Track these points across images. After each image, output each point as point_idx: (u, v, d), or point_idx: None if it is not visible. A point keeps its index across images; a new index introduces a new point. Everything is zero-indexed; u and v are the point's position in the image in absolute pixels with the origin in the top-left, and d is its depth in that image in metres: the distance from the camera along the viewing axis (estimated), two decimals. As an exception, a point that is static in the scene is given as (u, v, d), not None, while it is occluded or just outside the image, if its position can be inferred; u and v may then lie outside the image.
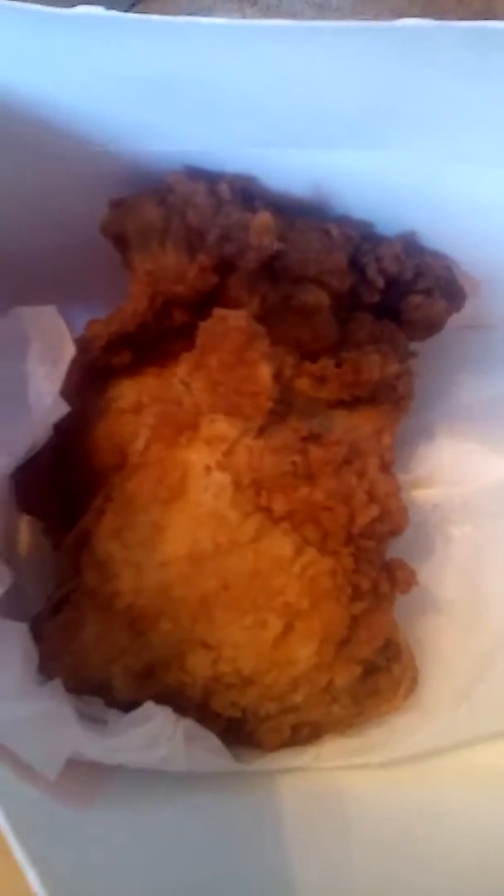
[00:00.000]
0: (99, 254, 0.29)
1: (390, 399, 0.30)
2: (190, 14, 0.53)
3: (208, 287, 0.25)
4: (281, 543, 0.26)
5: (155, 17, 0.21)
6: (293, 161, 0.25)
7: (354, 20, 0.51)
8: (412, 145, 0.24)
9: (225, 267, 0.25)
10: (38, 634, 0.28)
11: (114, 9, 0.54)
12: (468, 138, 0.23)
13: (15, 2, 0.20)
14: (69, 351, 0.28)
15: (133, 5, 0.54)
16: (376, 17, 0.49)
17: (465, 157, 0.23)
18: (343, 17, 0.50)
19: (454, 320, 0.32)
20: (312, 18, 0.50)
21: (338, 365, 0.29)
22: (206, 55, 0.21)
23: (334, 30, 0.20)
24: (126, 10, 0.53)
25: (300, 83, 0.22)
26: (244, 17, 0.51)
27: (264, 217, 0.24)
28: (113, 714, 0.28)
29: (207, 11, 0.52)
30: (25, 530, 0.34)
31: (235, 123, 0.24)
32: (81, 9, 0.21)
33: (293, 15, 0.50)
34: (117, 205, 0.26)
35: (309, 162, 0.24)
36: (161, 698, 0.28)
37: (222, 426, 0.26)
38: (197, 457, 0.26)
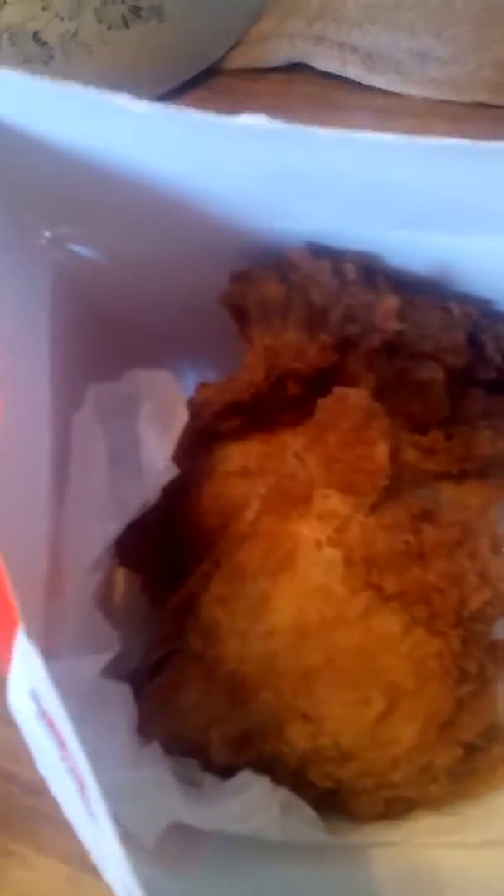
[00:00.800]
0: (213, 320, 0.29)
1: (500, 474, 0.30)
2: (288, 60, 0.54)
3: (328, 364, 0.26)
4: (390, 622, 0.26)
5: (274, 127, 0.21)
6: (418, 243, 0.25)
7: (455, 68, 0.51)
8: None
9: (345, 346, 0.26)
10: (137, 694, 0.29)
11: (212, 49, 0.55)
12: None
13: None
14: (182, 416, 0.29)
15: (231, 48, 0.55)
16: (478, 68, 0.50)
17: None
18: (443, 66, 0.50)
19: None
20: (413, 67, 0.51)
21: (448, 438, 0.29)
22: (333, 157, 0.22)
23: (459, 149, 0.20)
24: (226, 52, 0.54)
25: (428, 180, 0.22)
26: (345, 64, 0.51)
27: (392, 301, 0.24)
28: (207, 777, 0.29)
29: (308, 58, 0.53)
30: (121, 583, 0.35)
31: (362, 207, 0.24)
32: (244, 118, 0.21)
33: (394, 63, 0.51)
34: (239, 278, 0.27)
35: (434, 245, 0.25)
36: (256, 764, 0.28)
37: (335, 502, 0.26)
38: (308, 531, 0.26)
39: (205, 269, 0.28)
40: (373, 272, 0.26)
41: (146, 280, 0.30)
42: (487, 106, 0.49)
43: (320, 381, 0.27)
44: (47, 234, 0.28)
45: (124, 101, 0.19)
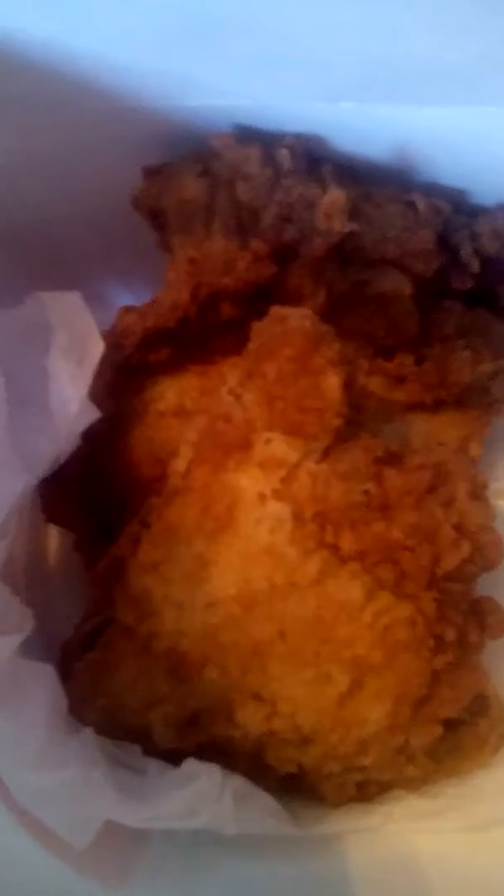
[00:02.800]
0: (134, 227, 0.25)
1: (481, 403, 0.26)
2: None
3: (263, 279, 0.21)
4: (349, 587, 0.23)
5: None
6: (371, 118, 0.20)
7: None
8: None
9: (284, 254, 0.21)
10: (67, 671, 0.26)
11: None
12: None
13: None
14: (97, 346, 0.25)
15: None
16: None
17: None
18: None
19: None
20: None
21: (419, 362, 0.25)
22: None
23: None
24: None
25: (384, 25, 0.18)
26: None
27: (336, 196, 0.20)
28: (152, 763, 0.26)
29: None
30: (55, 542, 0.32)
31: (299, 73, 0.20)
32: None
33: None
34: (152, 174, 0.22)
35: (391, 119, 0.20)
36: (207, 749, 0.26)
37: (280, 447, 0.22)
38: (249, 483, 0.23)
39: (114, 163, 0.23)
40: (315, 159, 0.21)
41: (49, 184, 0.25)
42: None
43: (260, 301, 0.23)
44: None
45: None
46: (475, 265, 0.23)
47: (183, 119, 0.22)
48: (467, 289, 0.24)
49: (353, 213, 0.21)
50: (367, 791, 0.27)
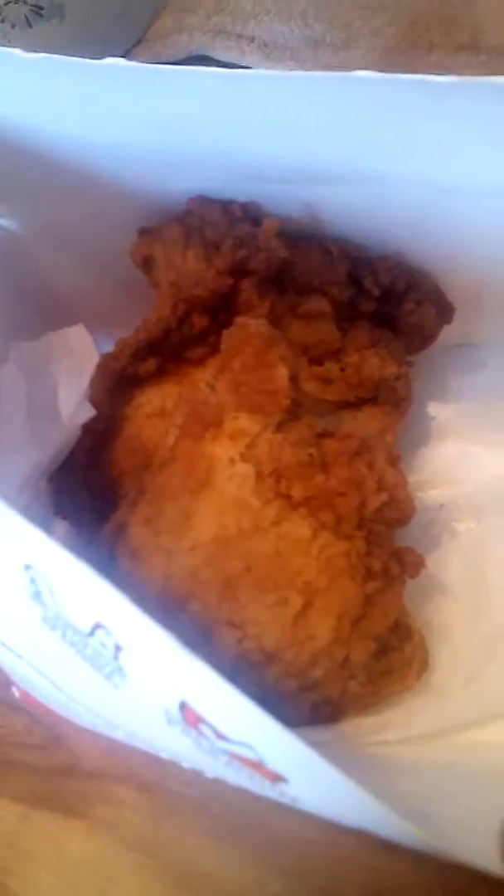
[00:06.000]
0: (123, 285, 0.35)
1: (391, 400, 0.36)
2: (189, 54, 0.61)
3: (224, 288, 0.32)
4: (299, 527, 0.32)
5: (162, 68, 0.27)
6: (293, 195, 0.31)
7: (347, 54, 0.58)
8: (394, 180, 0.31)
9: (238, 270, 0.32)
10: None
11: (114, 48, 0.61)
12: (445, 172, 0.29)
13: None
14: (94, 360, 0.35)
15: (134, 45, 0.62)
16: (367, 52, 0.57)
17: (443, 188, 0.30)
18: (336, 52, 0.58)
19: (444, 338, 0.39)
20: (308, 54, 0.58)
21: (342, 369, 0.35)
22: (210, 102, 0.27)
23: (320, 78, 0.26)
24: (128, 49, 0.60)
25: (294, 126, 0.28)
26: (243, 54, 0.58)
27: (271, 222, 0.31)
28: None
29: (207, 50, 0.60)
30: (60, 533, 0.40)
31: (242, 162, 0.30)
32: (110, 60, 0.27)
33: (290, 51, 0.58)
34: (145, 231, 0.33)
35: (306, 196, 0.31)
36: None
37: (245, 422, 0.32)
38: (222, 450, 0.32)
39: (117, 230, 0.34)
40: (258, 218, 0.32)
41: (59, 247, 0.35)
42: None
43: (222, 313, 0.33)
44: None
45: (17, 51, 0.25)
46: (375, 291, 0.34)
47: (167, 199, 0.32)
48: (372, 311, 0.35)
49: (285, 244, 0.32)
50: (322, 714, 0.35)
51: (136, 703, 0.24)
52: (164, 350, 0.34)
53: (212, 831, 0.35)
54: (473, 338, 0.41)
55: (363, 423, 0.36)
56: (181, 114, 0.27)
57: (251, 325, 0.31)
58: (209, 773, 0.29)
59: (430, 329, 0.38)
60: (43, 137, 0.30)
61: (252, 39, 0.59)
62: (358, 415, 0.36)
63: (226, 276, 0.31)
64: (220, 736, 0.23)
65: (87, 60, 0.27)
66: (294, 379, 0.32)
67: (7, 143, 0.29)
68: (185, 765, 0.30)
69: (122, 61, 0.28)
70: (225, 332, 0.32)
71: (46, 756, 0.37)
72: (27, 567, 0.23)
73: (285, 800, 0.25)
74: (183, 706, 0.23)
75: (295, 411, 0.33)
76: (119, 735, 0.29)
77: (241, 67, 0.59)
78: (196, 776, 0.35)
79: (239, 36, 0.59)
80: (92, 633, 0.23)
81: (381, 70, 0.59)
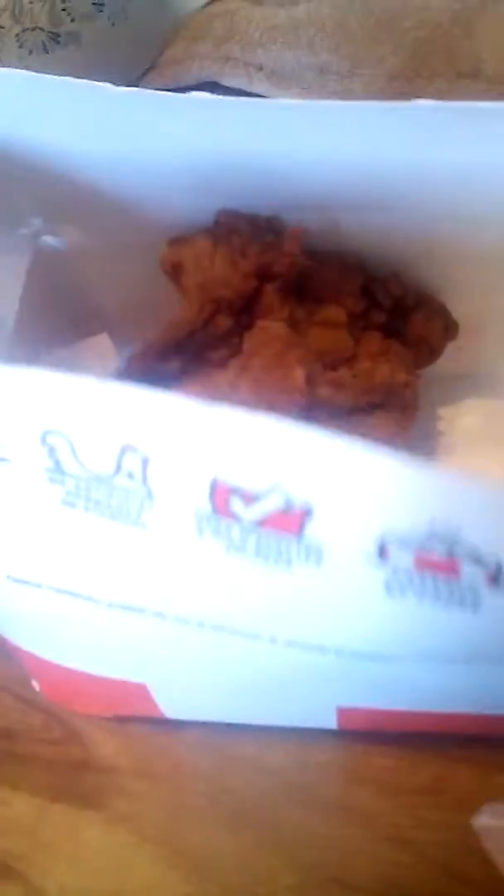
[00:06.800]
0: (148, 296, 0.38)
1: (399, 406, 0.38)
2: (199, 80, 0.63)
3: (249, 291, 0.34)
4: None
5: (183, 97, 0.29)
6: (313, 214, 0.34)
7: (351, 82, 0.61)
8: (401, 207, 0.33)
9: (262, 274, 0.34)
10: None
11: (127, 74, 0.64)
12: (450, 203, 0.32)
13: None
14: (116, 365, 0.37)
15: (146, 71, 0.65)
16: (372, 80, 0.60)
17: (451, 217, 0.32)
18: (341, 80, 0.61)
19: (452, 367, 0.41)
20: (314, 82, 0.61)
21: (354, 376, 0.37)
22: (229, 131, 0.30)
23: (341, 108, 0.28)
24: (140, 74, 0.63)
25: (311, 154, 0.31)
26: (251, 82, 0.61)
27: (295, 229, 0.33)
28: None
29: (217, 77, 0.62)
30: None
31: (263, 186, 0.33)
32: (139, 90, 0.29)
33: (297, 79, 0.61)
34: (175, 241, 0.35)
35: (321, 220, 0.34)
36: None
37: (265, 418, 0.34)
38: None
39: (143, 247, 0.36)
40: (281, 228, 0.35)
41: (95, 262, 0.38)
42: (383, 113, 0.60)
43: (245, 315, 0.35)
44: (24, 230, 0.36)
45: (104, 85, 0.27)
46: (387, 302, 0.36)
47: (197, 215, 0.35)
48: (383, 322, 0.37)
49: (305, 254, 0.35)
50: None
51: (165, 528, 0.23)
52: (188, 350, 0.36)
53: (225, 824, 0.36)
54: (479, 367, 0.44)
55: (373, 429, 0.38)
56: (203, 140, 0.29)
57: (272, 328, 0.33)
58: (233, 609, 0.26)
59: (437, 343, 0.40)
60: (82, 163, 0.33)
61: (260, 67, 0.62)
62: (367, 420, 0.38)
63: (251, 279, 0.34)
64: (249, 499, 0.22)
65: (117, 88, 0.29)
66: (310, 381, 0.34)
67: (56, 172, 0.32)
68: (208, 619, 0.27)
69: (149, 92, 0.30)
70: (247, 335, 0.34)
71: (63, 751, 0.39)
72: (46, 434, 0.23)
73: (309, 565, 0.22)
74: (213, 488, 0.22)
75: (308, 415, 0.35)
76: (145, 623, 0.27)
77: (250, 94, 0.62)
78: (210, 770, 0.37)
79: (247, 64, 0.62)
80: (117, 471, 0.23)
81: (384, 97, 0.62)
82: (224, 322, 0.35)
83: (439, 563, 0.21)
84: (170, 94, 0.27)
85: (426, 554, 0.21)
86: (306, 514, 0.21)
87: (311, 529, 0.21)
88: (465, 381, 0.45)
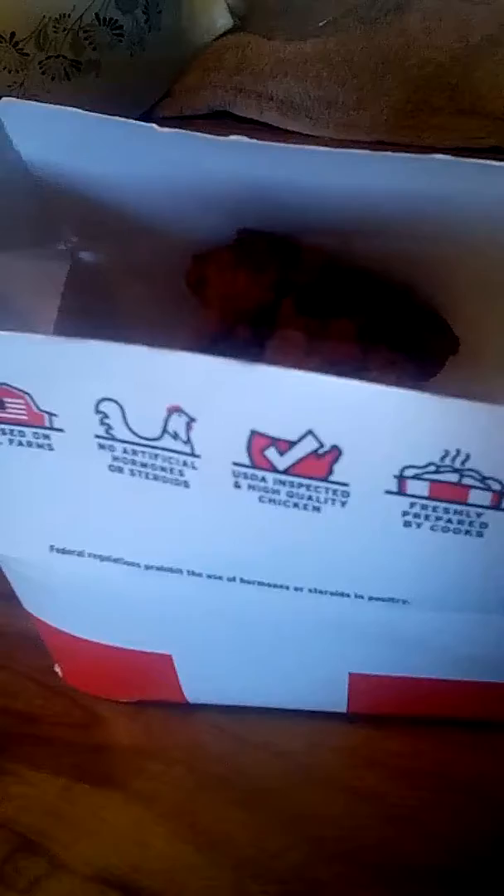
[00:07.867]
0: (170, 308, 0.41)
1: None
2: (211, 109, 0.67)
3: (268, 303, 0.37)
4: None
5: (198, 136, 0.30)
6: (324, 241, 0.37)
7: (357, 114, 0.65)
8: (409, 233, 0.36)
9: (281, 287, 0.37)
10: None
11: (144, 100, 0.68)
12: (453, 229, 0.35)
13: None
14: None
15: (161, 98, 0.69)
16: (376, 113, 0.64)
17: (452, 242, 0.36)
18: (347, 112, 0.65)
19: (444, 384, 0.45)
20: (321, 113, 0.65)
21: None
22: (244, 168, 0.32)
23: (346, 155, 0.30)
24: (155, 101, 0.67)
25: (334, 191, 0.33)
26: (261, 111, 0.65)
27: (315, 245, 0.36)
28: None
29: (229, 106, 0.66)
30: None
31: (280, 215, 0.36)
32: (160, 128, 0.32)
33: (305, 110, 0.65)
34: (198, 257, 0.38)
35: (334, 242, 0.37)
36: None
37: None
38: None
39: (169, 265, 0.39)
40: (297, 246, 0.38)
41: (126, 276, 0.41)
42: (386, 143, 0.64)
43: (264, 327, 0.38)
44: (62, 246, 0.39)
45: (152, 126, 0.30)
46: (394, 317, 0.40)
47: (217, 232, 0.38)
48: (389, 335, 0.41)
49: (320, 281, 0.38)
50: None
51: (205, 484, 0.25)
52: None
53: (238, 803, 0.39)
54: (476, 382, 0.47)
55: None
56: (234, 176, 0.32)
57: (290, 337, 0.36)
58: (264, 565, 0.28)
59: (440, 356, 0.44)
60: (118, 189, 0.36)
61: (271, 98, 0.66)
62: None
63: (269, 292, 0.37)
64: (284, 447, 0.24)
65: (161, 129, 0.30)
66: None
67: (94, 197, 0.35)
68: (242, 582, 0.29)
69: (192, 134, 0.31)
70: (268, 343, 0.37)
71: (84, 734, 0.41)
72: (99, 402, 0.24)
73: (336, 507, 0.25)
74: (251, 440, 0.24)
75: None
76: (179, 584, 0.29)
77: (260, 123, 0.66)
78: (224, 753, 0.39)
79: (259, 95, 0.66)
80: (163, 433, 0.24)
81: (388, 130, 0.66)
82: (244, 332, 0.38)
83: (451, 490, 0.23)
84: (212, 136, 0.29)
85: (439, 482, 0.23)
86: (334, 456, 0.23)
87: (339, 470, 0.24)
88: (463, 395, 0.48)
